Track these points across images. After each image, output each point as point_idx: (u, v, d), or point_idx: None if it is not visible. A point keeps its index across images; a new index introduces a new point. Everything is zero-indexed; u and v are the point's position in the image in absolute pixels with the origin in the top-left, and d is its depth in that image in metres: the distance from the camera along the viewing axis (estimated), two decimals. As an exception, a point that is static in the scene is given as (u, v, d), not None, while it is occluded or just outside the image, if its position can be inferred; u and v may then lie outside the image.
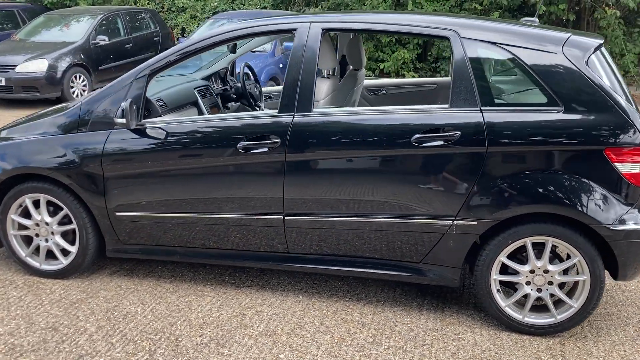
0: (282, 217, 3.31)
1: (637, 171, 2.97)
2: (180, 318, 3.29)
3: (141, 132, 3.39)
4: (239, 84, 4.48)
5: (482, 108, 3.04)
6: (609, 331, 3.24)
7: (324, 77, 4.11)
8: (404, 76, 11.83)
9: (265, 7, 12.46)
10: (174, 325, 3.22)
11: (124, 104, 3.27)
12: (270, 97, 4.82)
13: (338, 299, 3.52)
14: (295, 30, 3.31)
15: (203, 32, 9.47)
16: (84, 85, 9.94)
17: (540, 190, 2.98)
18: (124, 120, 3.27)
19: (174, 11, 13.36)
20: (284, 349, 3.01)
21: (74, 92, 9.73)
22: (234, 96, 4.52)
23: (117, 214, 3.50)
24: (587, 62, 3.01)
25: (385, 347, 3.05)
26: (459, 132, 3.03)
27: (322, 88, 3.82)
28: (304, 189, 3.24)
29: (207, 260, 3.56)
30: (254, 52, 8.86)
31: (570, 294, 3.15)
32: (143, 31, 11.52)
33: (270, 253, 3.45)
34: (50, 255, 3.72)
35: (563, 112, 2.98)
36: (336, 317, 3.33)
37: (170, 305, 3.43)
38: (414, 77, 11.82)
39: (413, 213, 3.16)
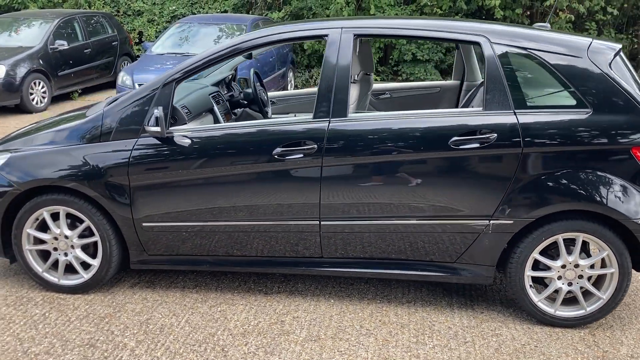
0: (318, 222, 3.32)
1: (651, 168, 3.15)
2: (219, 328, 3.24)
3: (171, 141, 3.31)
4: (249, 90, 4.45)
5: (516, 110, 3.15)
6: (631, 320, 3.42)
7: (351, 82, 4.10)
8: (366, 79, 11.97)
9: (225, 11, 12.35)
10: (214, 335, 3.17)
11: (157, 112, 3.20)
12: (274, 102, 4.80)
13: (369, 302, 3.56)
14: (326, 36, 3.33)
15: (169, 37, 9.30)
16: (44, 92, 9.56)
17: (573, 188, 3.12)
18: (158, 129, 3.20)
19: (129, 15, 13.03)
20: (332, 353, 3.03)
21: (33, 99, 9.36)
22: (245, 102, 4.48)
23: (144, 224, 3.42)
24: (610, 66, 3.18)
25: (431, 346, 3.11)
26: (495, 134, 3.13)
27: (353, 93, 3.85)
28: (340, 194, 3.26)
29: (238, 268, 3.53)
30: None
31: (597, 286, 3.29)
32: (101, 35, 11.19)
33: (304, 258, 3.45)
34: (68, 269, 3.58)
35: (592, 114, 3.13)
36: (373, 319, 3.36)
37: (204, 315, 3.37)
38: (376, 80, 12.00)
39: (450, 214, 3.23)
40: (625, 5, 11.43)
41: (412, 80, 12.03)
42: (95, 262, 3.53)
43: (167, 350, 3.02)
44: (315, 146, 3.21)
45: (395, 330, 3.26)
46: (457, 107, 4.69)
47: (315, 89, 4.90)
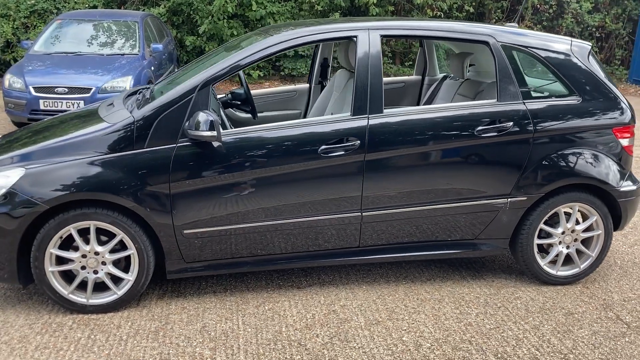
0: (359, 214, 3.52)
1: (627, 144, 3.82)
2: (281, 325, 3.31)
3: (212, 145, 3.28)
4: (240, 90, 4.44)
5: (524, 101, 3.62)
6: (609, 273, 4.09)
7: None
8: (251, 75, 12.07)
9: (95, 6, 11.60)
10: (281, 332, 3.24)
11: (211, 117, 3.14)
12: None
13: (396, 283, 3.83)
14: (356, 37, 3.52)
15: (52, 34, 8.60)
16: None
17: (574, 165, 3.68)
18: (212, 133, 3.14)
19: (-23, 9, 11.68)
20: (400, 332, 3.26)
21: None
22: (239, 102, 4.46)
23: (185, 231, 3.35)
24: (588, 60, 3.78)
25: (474, 314, 3.48)
26: (511, 122, 3.57)
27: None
28: (381, 185, 3.49)
29: (279, 265, 3.59)
30: (122, 55, 8.42)
31: (587, 247, 3.90)
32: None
33: (342, 249, 3.62)
34: (94, 287, 3.37)
35: (581, 101, 3.71)
36: (411, 298, 3.65)
37: (255, 315, 3.40)
38: (260, 75, 12.13)
39: (475, 196, 3.62)
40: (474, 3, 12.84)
41: (295, 76, 12.37)
42: (130, 277, 3.37)
43: (248, 353, 3.03)
44: (358, 142, 3.40)
45: (435, 305, 3.58)
46: (419, 101, 5.10)
47: (281, 88, 5.05)
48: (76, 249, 3.31)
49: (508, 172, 3.63)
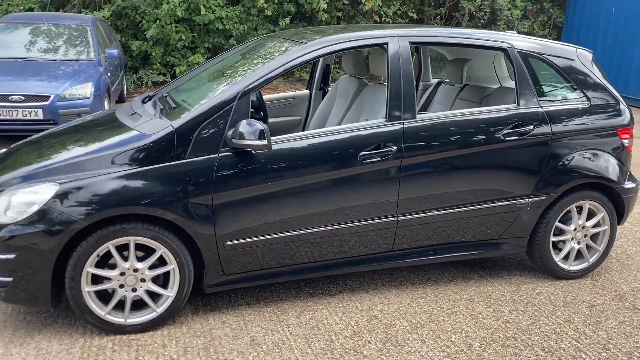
0: (395, 218, 3.56)
1: (627, 144, 4.10)
2: (329, 333, 3.29)
3: (258, 153, 3.22)
4: (254, 97, 4.34)
5: (541, 105, 3.80)
6: (610, 266, 4.35)
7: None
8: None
9: (31, 9, 10.97)
10: (333, 341, 3.22)
11: (261, 125, 3.08)
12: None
13: (423, 286, 3.90)
14: (387, 44, 3.56)
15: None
16: None
17: (586, 164, 3.89)
18: (263, 142, 3.07)
19: None
20: (446, 333, 3.33)
21: None
22: (252, 109, 4.36)
23: (227, 243, 3.26)
24: (592, 66, 4.02)
25: (508, 311, 3.61)
26: (532, 125, 3.74)
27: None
28: (416, 189, 3.55)
29: (316, 273, 3.56)
30: (77, 60, 8.05)
31: (594, 242, 4.13)
32: None
33: (376, 254, 3.65)
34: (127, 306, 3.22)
35: (590, 105, 3.94)
36: (442, 299, 3.73)
37: (300, 325, 3.37)
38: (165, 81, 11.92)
39: (501, 197, 3.76)
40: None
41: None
42: (170, 293, 3.24)
43: (308, 364, 3.00)
44: (395, 147, 3.44)
45: (468, 305, 3.68)
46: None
47: (281, 95, 5.00)
48: (113, 266, 3.14)
49: (530, 173, 3.79)
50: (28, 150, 3.55)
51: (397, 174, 3.48)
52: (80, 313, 3.12)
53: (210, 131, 3.17)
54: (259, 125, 3.09)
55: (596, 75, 4.02)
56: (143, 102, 3.87)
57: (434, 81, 5.10)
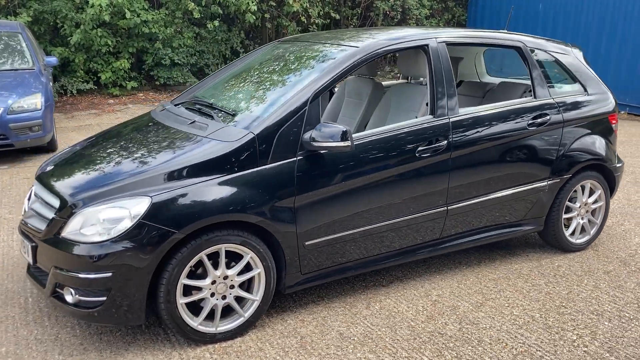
0: (445, 208, 3.82)
1: (615, 129, 4.66)
2: (406, 320, 3.48)
3: (329, 154, 3.34)
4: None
5: (553, 97, 4.24)
6: (601, 235, 4.90)
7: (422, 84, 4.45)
8: (124, 87, 11.44)
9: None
10: (414, 327, 3.42)
11: (343, 127, 3.19)
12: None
13: (459, 270, 4.20)
14: (427, 45, 3.81)
15: None
16: None
17: (590, 148, 4.38)
18: (347, 143, 3.19)
19: None
20: (506, 308, 3.65)
21: None
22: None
23: (306, 243, 3.36)
24: (585, 61, 4.54)
25: (544, 284, 4.00)
26: (549, 115, 4.16)
27: None
28: (463, 179, 3.83)
29: (377, 265, 3.72)
30: (15, 70, 7.56)
31: (593, 216, 4.65)
32: None
33: (426, 243, 3.89)
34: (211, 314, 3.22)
35: (587, 95, 4.44)
36: (483, 280, 4.05)
37: (376, 316, 3.52)
38: (134, 86, 11.56)
39: (529, 180, 4.14)
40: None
41: (171, 85, 11.98)
42: (257, 297, 3.28)
43: (406, 350, 3.18)
44: (445, 141, 3.70)
45: (508, 282, 4.02)
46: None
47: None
48: (202, 276, 3.13)
49: (548, 158, 4.20)
50: (79, 165, 3.40)
51: (448, 166, 3.74)
52: (175, 326, 3.08)
53: (288, 135, 3.24)
54: (341, 127, 3.20)
55: (588, 68, 4.53)
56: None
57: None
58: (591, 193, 4.57)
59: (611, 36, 11.57)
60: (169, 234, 2.91)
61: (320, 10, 12.84)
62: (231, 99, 3.86)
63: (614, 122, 4.59)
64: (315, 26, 13.17)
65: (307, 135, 3.25)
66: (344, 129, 3.18)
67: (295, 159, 3.24)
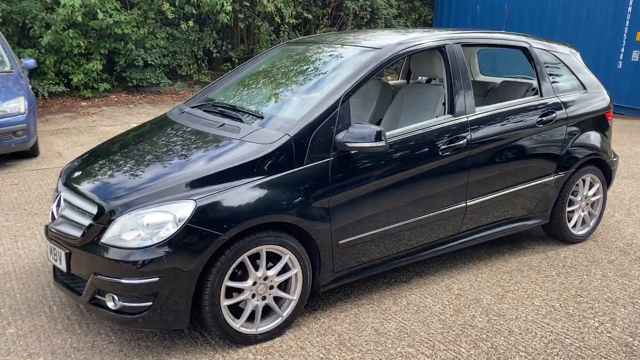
0: (465, 204, 3.94)
1: (610, 125, 4.88)
2: (436, 314, 3.58)
3: (360, 154, 3.40)
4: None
5: (557, 94, 4.42)
6: (600, 227, 5.12)
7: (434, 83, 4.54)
8: (97, 89, 11.22)
9: None
10: (445, 320, 3.52)
11: (377, 127, 3.25)
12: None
13: (473, 264, 4.33)
14: (444, 46, 3.92)
15: None
16: None
17: (591, 143, 4.58)
18: (381, 143, 3.25)
19: None
20: (527, 299, 3.79)
21: None
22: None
23: (340, 242, 3.41)
24: (581, 60, 4.74)
25: (555, 275, 4.17)
26: (555, 113, 4.33)
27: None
28: (479, 176, 3.96)
29: (401, 262, 3.80)
30: (-4, 73, 7.33)
31: (592, 208, 4.86)
32: None
33: (445, 239, 4.00)
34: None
35: (586, 92, 4.64)
36: (497, 273, 4.18)
37: (405, 311, 3.61)
38: (106, 88, 11.35)
39: (537, 175, 4.31)
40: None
41: (144, 86, 11.82)
42: (294, 296, 3.32)
43: (443, 343, 3.28)
44: (465, 139, 3.82)
45: (522, 274, 4.17)
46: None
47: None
48: (242, 278, 3.15)
49: (555, 154, 4.37)
50: (110, 170, 3.37)
51: (467, 164, 3.86)
52: (218, 328, 3.08)
53: (322, 136, 3.29)
54: (375, 127, 3.27)
55: (585, 67, 4.73)
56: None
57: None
58: (590, 186, 4.77)
59: (575, 32, 11.99)
60: (215, 237, 2.92)
61: (293, 10, 12.86)
62: (254, 100, 3.89)
63: (609, 117, 4.80)
64: (287, 26, 13.19)
65: (340, 136, 3.31)
66: (378, 129, 3.25)
67: (329, 159, 3.29)
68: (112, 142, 3.86)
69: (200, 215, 2.93)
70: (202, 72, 12.74)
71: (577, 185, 4.64)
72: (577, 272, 4.21)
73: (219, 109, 3.83)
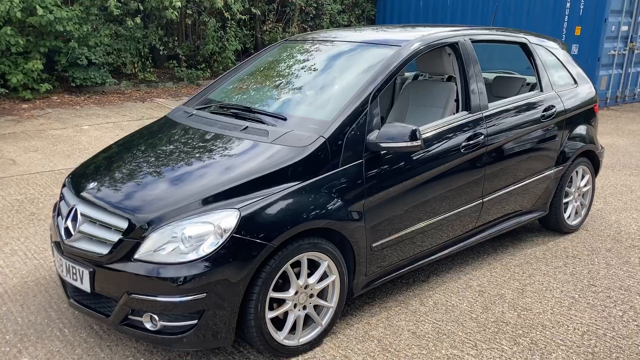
0: (481, 200, 3.95)
1: (597, 116, 5.04)
2: (467, 312, 3.56)
3: (392, 154, 3.33)
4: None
5: (555, 90, 4.51)
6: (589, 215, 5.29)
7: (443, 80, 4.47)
8: (37, 90, 10.56)
9: None
10: (476, 318, 3.51)
11: (411, 126, 3.17)
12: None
13: (484, 260, 4.36)
14: (457, 43, 3.90)
15: None
16: None
17: (585, 136, 4.72)
18: (418, 143, 3.17)
19: None
20: (545, 291, 3.84)
21: None
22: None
23: (373, 245, 3.33)
24: (570, 54, 4.87)
25: (562, 265, 4.26)
26: (555, 108, 4.42)
27: None
28: (494, 171, 3.98)
29: (424, 261, 3.74)
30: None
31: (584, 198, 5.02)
32: None
33: (461, 236, 3.99)
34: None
35: (577, 86, 4.77)
36: (511, 267, 4.23)
37: (434, 311, 3.57)
38: (48, 89, 10.72)
39: (542, 169, 4.38)
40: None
41: (88, 86, 11.25)
42: (332, 304, 3.21)
43: (481, 341, 3.26)
44: (482, 135, 3.83)
45: (531, 266, 4.23)
46: (393, 97, 5.57)
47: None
48: (282, 288, 3.01)
49: (555, 147, 4.46)
50: (130, 179, 3.13)
51: (484, 160, 3.86)
52: (263, 342, 2.93)
53: (354, 137, 3.19)
54: (410, 126, 3.19)
55: (574, 61, 4.86)
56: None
57: (410, 74, 5.51)
58: (582, 178, 4.91)
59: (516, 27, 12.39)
60: (262, 246, 2.77)
61: (240, 7, 12.58)
62: (269, 101, 3.72)
63: (596, 110, 4.95)
64: (233, 22, 12.90)
65: (372, 137, 3.21)
66: (413, 128, 3.17)
67: (362, 160, 3.20)
68: (118, 148, 3.60)
69: (246, 224, 2.76)
70: (148, 70, 12.26)
71: (571, 176, 4.74)
72: (582, 262, 4.32)
73: (232, 110, 3.64)
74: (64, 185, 3.42)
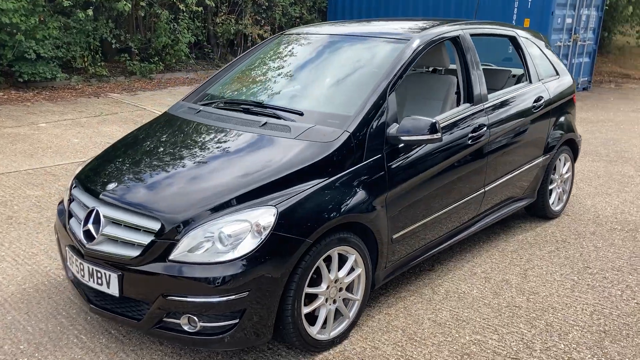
0: (484, 190, 4.07)
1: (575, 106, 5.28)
2: (480, 299, 3.67)
3: (411, 147, 3.39)
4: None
5: (542, 81, 4.69)
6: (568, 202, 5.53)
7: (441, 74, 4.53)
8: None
9: None
10: (489, 304, 3.62)
11: (430, 119, 3.21)
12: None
13: (481, 249, 4.49)
14: (459, 36, 3.99)
15: None
16: None
17: (567, 125, 4.93)
18: (437, 135, 3.22)
19: None
20: (546, 275, 4.00)
21: None
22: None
23: (393, 236, 3.38)
24: (551, 47, 5.07)
25: (554, 249, 4.44)
26: (543, 99, 4.60)
27: None
28: (494, 161, 4.10)
29: (434, 250, 3.82)
30: None
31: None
32: None
33: (465, 224, 4.10)
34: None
35: (559, 78, 4.97)
36: (507, 254, 4.37)
37: (448, 300, 3.66)
38: (-5, 85, 10.19)
39: (533, 157, 4.55)
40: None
41: (37, 82, 10.78)
42: (358, 296, 3.24)
43: (499, 326, 3.37)
44: (485, 127, 3.94)
45: (527, 252, 4.40)
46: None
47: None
48: (314, 283, 3.01)
49: (543, 137, 4.64)
50: (154, 179, 3.04)
51: (487, 149, 3.97)
52: (299, 338, 2.92)
53: (375, 131, 3.22)
54: (428, 119, 3.24)
55: (554, 53, 5.06)
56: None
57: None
58: (563, 165, 5.13)
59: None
60: (300, 242, 2.76)
61: (192, 1, 12.30)
62: (279, 96, 3.69)
63: (575, 100, 5.18)
64: (186, 14, 12.64)
65: (392, 130, 3.25)
66: (433, 121, 3.22)
67: (383, 154, 3.23)
68: (126, 147, 3.47)
69: (283, 221, 2.74)
70: (98, 64, 11.84)
71: (555, 165, 4.95)
72: (572, 245, 4.52)
73: (243, 106, 3.59)
74: (72, 187, 3.28)
